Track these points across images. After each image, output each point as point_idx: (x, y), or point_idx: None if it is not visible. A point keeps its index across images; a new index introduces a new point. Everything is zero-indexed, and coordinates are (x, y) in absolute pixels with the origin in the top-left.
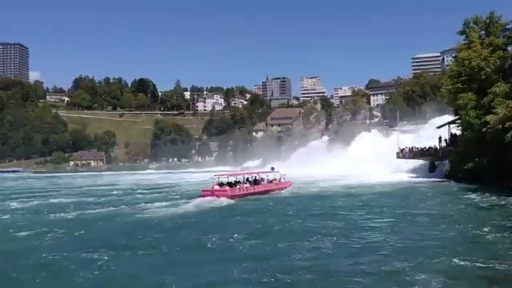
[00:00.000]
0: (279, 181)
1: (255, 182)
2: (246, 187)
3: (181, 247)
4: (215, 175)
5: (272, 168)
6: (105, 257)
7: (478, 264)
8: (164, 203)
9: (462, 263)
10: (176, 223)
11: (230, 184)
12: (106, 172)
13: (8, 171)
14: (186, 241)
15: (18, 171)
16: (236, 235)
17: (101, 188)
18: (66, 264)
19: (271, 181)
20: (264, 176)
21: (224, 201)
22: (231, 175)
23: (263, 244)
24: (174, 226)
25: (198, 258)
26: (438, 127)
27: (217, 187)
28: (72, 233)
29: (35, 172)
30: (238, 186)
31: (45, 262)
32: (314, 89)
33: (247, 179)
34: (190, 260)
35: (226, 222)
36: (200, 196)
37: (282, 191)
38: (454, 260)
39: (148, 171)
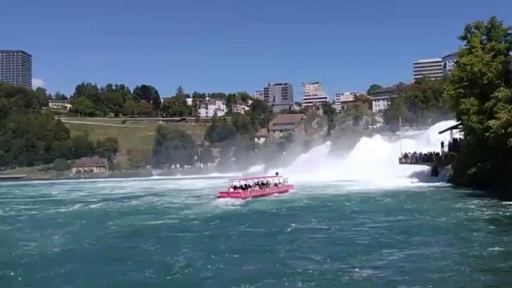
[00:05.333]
0: (283, 184)
1: (263, 185)
2: (256, 190)
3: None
4: (229, 180)
5: (277, 173)
6: None
7: None
8: None
9: None
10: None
11: (242, 188)
12: (101, 179)
13: None
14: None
15: None
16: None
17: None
18: None
19: (276, 185)
20: (270, 180)
21: (238, 202)
22: (243, 179)
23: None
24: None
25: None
26: (441, 132)
27: (232, 190)
28: None
29: None
30: (249, 189)
31: None
32: (316, 95)
33: (256, 183)
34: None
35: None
36: (218, 197)
37: (285, 194)
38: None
39: (111, 178)
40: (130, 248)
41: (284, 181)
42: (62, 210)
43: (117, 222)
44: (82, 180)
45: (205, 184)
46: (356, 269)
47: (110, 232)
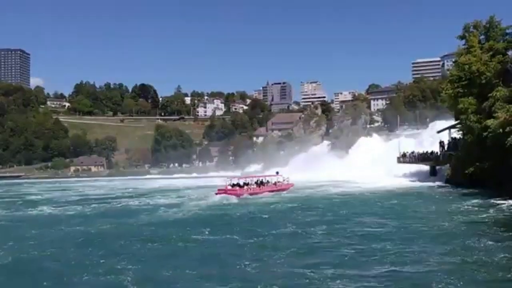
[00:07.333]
0: (282, 183)
1: (261, 184)
2: (253, 188)
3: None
4: (227, 178)
5: (277, 172)
6: None
7: None
8: None
9: None
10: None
11: (240, 185)
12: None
13: None
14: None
15: None
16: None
17: None
18: None
19: (275, 183)
20: (269, 179)
21: (234, 198)
22: (241, 178)
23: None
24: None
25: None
26: (439, 132)
27: (229, 188)
28: None
29: None
30: (246, 187)
31: None
32: (315, 94)
33: (255, 181)
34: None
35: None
36: (216, 194)
37: (282, 193)
38: None
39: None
40: (74, 259)
41: (284, 180)
42: (18, 213)
43: (70, 228)
44: (74, 179)
45: (198, 183)
46: (344, 279)
47: (59, 239)
